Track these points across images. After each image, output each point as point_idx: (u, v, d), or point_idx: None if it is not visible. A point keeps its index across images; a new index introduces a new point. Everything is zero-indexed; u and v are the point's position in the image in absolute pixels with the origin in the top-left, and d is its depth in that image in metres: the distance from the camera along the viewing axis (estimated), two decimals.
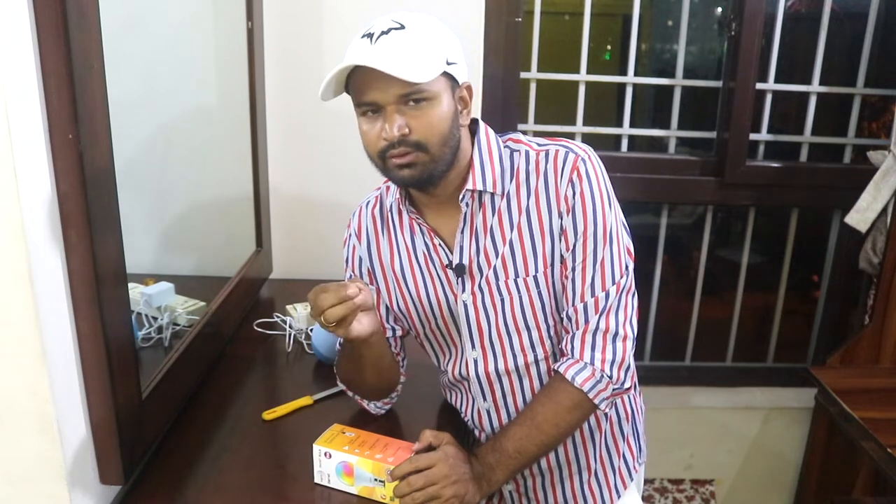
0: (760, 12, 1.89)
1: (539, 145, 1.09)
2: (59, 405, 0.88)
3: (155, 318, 1.23)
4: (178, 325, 1.28)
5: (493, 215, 1.09)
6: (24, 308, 0.83)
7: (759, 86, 1.99)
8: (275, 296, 1.76)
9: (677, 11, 2.06)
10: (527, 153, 1.09)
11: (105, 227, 0.91)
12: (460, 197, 1.07)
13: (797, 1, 2.23)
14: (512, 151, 1.10)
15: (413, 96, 0.97)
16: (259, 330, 1.56)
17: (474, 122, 1.11)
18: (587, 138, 2.07)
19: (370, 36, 0.97)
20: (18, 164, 0.79)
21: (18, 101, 0.79)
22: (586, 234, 1.05)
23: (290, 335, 1.51)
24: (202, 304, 1.36)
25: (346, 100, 1.03)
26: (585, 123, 2.06)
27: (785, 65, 2.06)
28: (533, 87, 2.03)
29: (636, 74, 2.05)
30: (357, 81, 0.98)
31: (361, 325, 1.03)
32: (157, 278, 1.27)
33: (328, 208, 1.86)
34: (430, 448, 1.04)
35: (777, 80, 2.03)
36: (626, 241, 1.10)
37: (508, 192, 1.08)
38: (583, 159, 1.05)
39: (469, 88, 1.05)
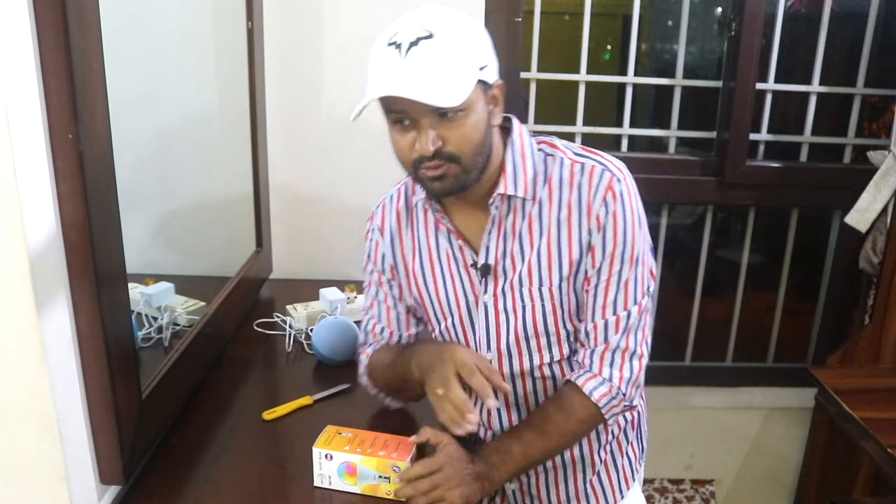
0: (760, 12, 1.89)
1: (575, 154, 1.07)
2: (59, 405, 0.88)
3: (155, 318, 1.23)
4: (178, 325, 1.28)
5: (524, 220, 1.07)
6: (24, 308, 0.83)
7: (759, 86, 1.99)
8: (275, 296, 1.76)
9: (677, 11, 2.05)
10: (562, 160, 1.06)
11: (105, 227, 0.91)
12: (490, 200, 1.06)
13: (797, 1, 2.23)
14: (546, 156, 1.08)
15: (447, 111, 0.94)
16: (259, 330, 1.56)
17: (507, 119, 1.09)
18: (587, 138, 2.07)
19: (398, 47, 0.92)
20: (18, 164, 0.80)
21: (18, 101, 0.79)
22: (614, 254, 1.04)
23: (290, 335, 1.51)
24: (202, 304, 1.36)
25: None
26: (585, 123, 2.06)
27: (785, 65, 2.06)
28: (533, 86, 2.03)
29: (636, 74, 2.05)
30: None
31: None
32: (157, 278, 1.27)
33: (328, 208, 1.86)
34: (428, 445, 1.04)
35: (777, 80, 2.03)
36: (651, 262, 1.09)
37: (540, 198, 1.06)
38: (618, 179, 1.04)
39: (501, 87, 1.02)
